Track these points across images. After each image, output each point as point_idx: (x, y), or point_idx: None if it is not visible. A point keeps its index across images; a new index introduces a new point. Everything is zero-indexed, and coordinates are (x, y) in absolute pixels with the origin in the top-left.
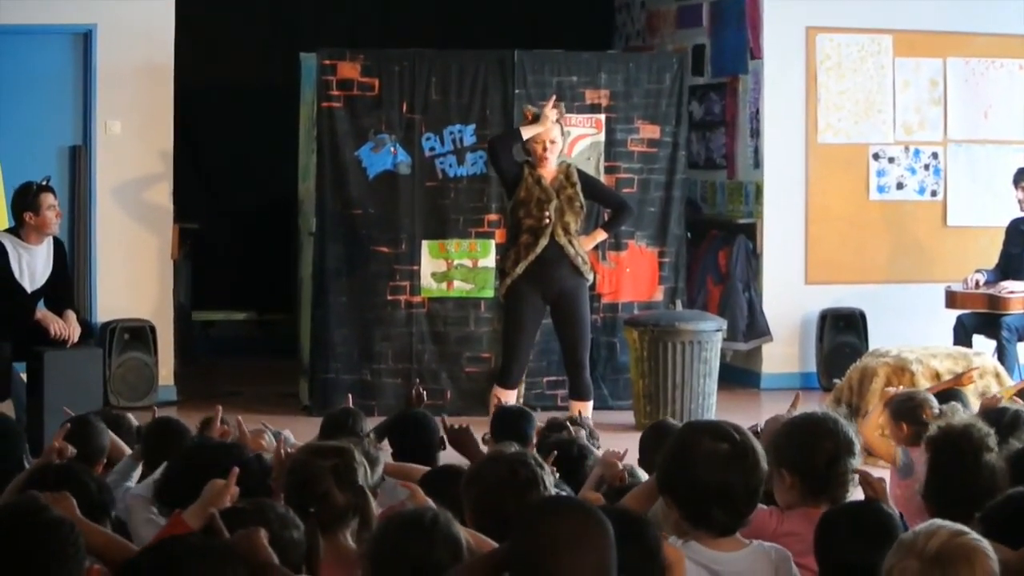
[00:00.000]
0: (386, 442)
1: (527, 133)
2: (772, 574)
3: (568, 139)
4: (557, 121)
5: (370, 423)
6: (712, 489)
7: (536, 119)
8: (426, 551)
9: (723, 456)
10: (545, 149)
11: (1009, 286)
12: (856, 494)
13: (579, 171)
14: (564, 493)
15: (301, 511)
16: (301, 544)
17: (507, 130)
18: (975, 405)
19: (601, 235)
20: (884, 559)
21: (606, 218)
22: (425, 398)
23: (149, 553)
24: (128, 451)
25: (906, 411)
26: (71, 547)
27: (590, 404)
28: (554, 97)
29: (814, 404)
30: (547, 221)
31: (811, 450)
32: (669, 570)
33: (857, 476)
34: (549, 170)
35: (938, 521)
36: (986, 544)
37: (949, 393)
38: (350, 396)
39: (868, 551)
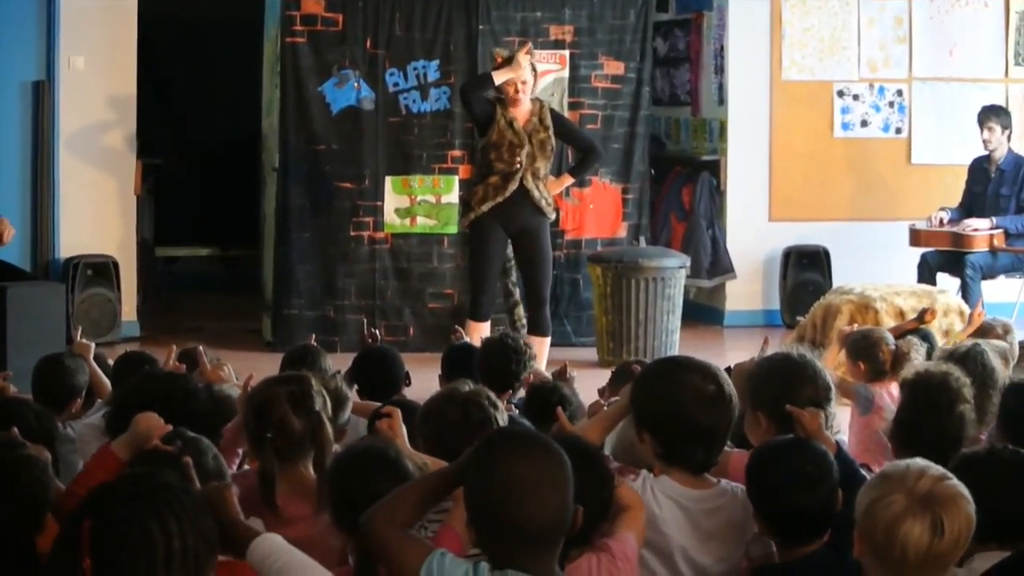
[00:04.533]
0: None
1: (499, 78)
2: (741, 513)
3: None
4: (531, 64)
5: (333, 359)
6: (699, 430)
7: (507, 62)
8: (372, 485)
9: (711, 397)
10: (517, 91)
11: (973, 224)
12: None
13: (552, 111)
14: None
15: (259, 439)
16: (218, 470)
17: (479, 76)
18: (940, 342)
19: (568, 180)
20: (815, 498)
21: (570, 159)
22: (379, 337)
23: (127, 483)
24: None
25: (862, 349)
26: (40, 485)
27: (547, 340)
28: (529, 44)
29: (777, 341)
30: (518, 166)
31: (791, 396)
32: (626, 512)
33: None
34: (522, 111)
35: (921, 461)
36: (967, 492)
37: (917, 332)
38: (312, 336)
39: (799, 490)
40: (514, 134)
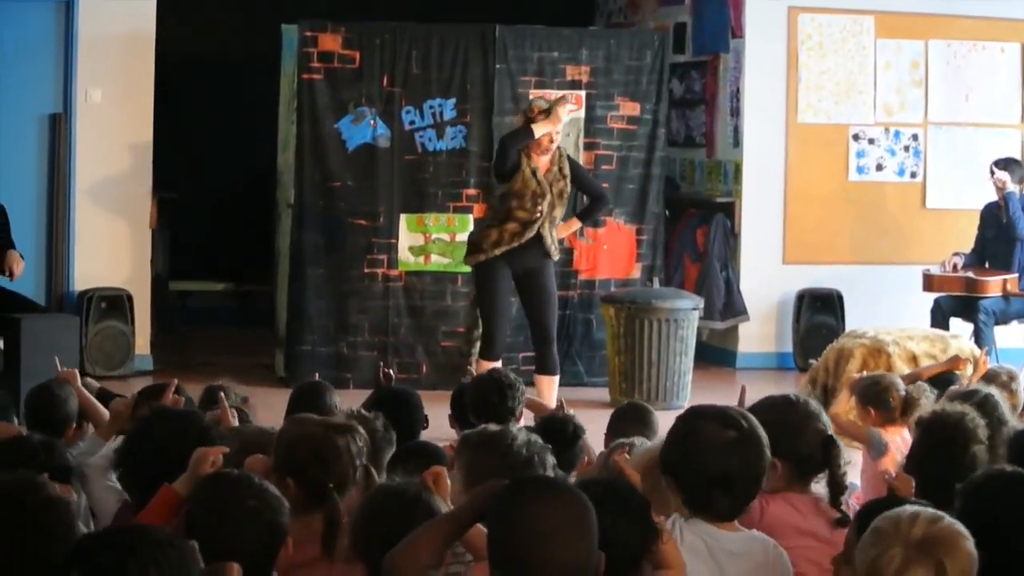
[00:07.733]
0: None
1: (539, 131)
2: (765, 562)
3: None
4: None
5: (345, 396)
6: (715, 475)
7: (546, 114)
8: (404, 525)
9: (729, 443)
10: (551, 141)
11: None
12: (851, 474)
13: (569, 159)
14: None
15: (316, 485)
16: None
17: (520, 130)
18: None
19: (576, 224)
20: None
21: (584, 200)
22: (393, 376)
23: (114, 533)
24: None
25: (873, 395)
26: (63, 528)
27: (556, 379)
28: (566, 96)
29: (790, 385)
30: (539, 215)
31: (802, 435)
32: (666, 572)
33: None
34: (543, 160)
35: (910, 507)
36: (963, 528)
37: (944, 377)
38: (315, 374)
39: None
40: (537, 184)
